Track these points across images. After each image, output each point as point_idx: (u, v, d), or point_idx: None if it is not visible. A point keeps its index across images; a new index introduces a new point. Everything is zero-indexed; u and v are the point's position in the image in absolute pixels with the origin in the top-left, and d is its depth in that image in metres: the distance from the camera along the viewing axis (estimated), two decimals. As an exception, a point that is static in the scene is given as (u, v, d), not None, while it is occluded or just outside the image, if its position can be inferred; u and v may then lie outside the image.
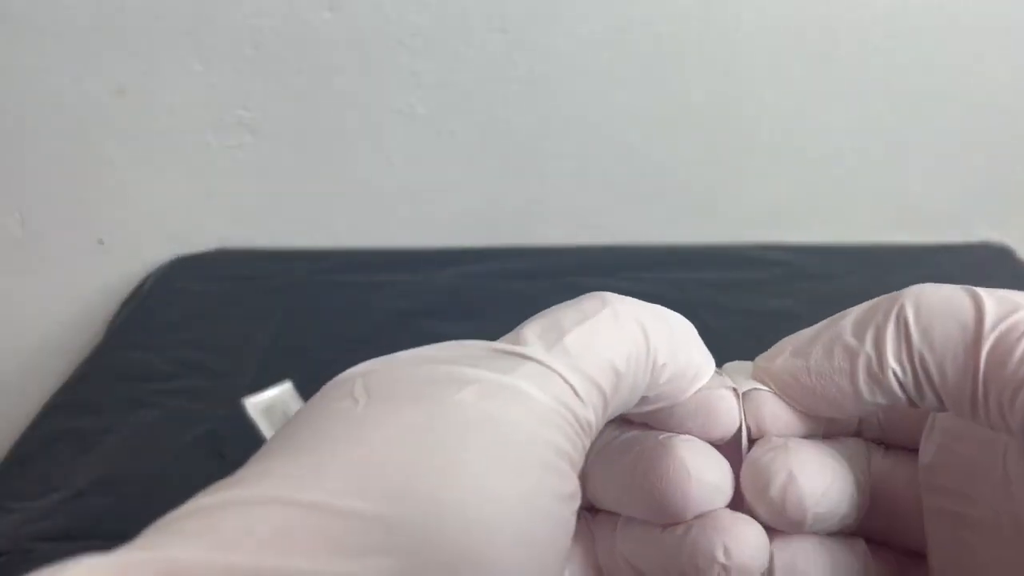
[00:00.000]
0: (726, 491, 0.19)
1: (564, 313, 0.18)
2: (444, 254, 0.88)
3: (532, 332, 0.18)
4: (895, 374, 0.18)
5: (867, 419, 0.22)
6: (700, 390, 0.20)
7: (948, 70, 0.83)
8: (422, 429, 0.15)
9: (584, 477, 0.20)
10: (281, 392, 0.68)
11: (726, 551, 0.19)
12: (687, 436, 0.20)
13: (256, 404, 0.67)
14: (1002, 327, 0.17)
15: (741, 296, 0.81)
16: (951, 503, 0.20)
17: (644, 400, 0.20)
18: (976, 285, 0.19)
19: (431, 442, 0.15)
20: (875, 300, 0.19)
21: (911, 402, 0.19)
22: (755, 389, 0.20)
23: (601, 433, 0.20)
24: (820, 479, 0.19)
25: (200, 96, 0.81)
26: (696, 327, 0.21)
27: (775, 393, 0.20)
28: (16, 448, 0.65)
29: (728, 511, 0.19)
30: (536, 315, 0.19)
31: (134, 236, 0.89)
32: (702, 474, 0.19)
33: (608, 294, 0.19)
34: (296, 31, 0.78)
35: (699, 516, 0.19)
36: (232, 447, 0.63)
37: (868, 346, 0.19)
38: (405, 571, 0.14)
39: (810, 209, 0.91)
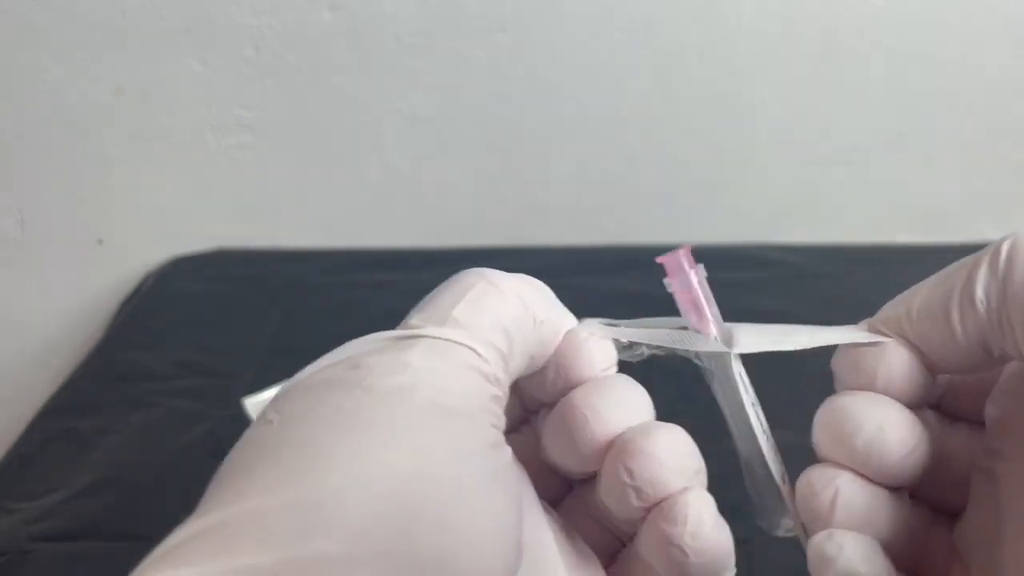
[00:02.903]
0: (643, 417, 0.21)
1: (445, 294, 0.20)
2: (444, 254, 0.88)
3: (420, 317, 0.20)
4: (981, 304, 0.20)
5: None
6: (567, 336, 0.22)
7: (949, 69, 0.83)
8: (340, 428, 0.17)
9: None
10: (281, 392, 0.68)
11: (628, 472, 0.19)
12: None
13: (256, 404, 0.66)
14: None
15: (741, 296, 0.80)
16: (1002, 467, 0.20)
17: (532, 361, 0.21)
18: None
19: (354, 425, 0.17)
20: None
21: (992, 352, 0.20)
22: (885, 340, 0.21)
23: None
24: (910, 438, 0.20)
25: (200, 96, 0.81)
26: (696, 327, 0.21)
27: (899, 342, 0.21)
28: (16, 448, 0.65)
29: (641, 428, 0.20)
30: (418, 304, 0.21)
31: (134, 236, 0.89)
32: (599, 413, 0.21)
33: (480, 269, 0.21)
34: (296, 31, 0.78)
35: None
36: (232, 447, 0.63)
37: (962, 279, 0.20)
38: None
39: (810, 209, 0.91)
